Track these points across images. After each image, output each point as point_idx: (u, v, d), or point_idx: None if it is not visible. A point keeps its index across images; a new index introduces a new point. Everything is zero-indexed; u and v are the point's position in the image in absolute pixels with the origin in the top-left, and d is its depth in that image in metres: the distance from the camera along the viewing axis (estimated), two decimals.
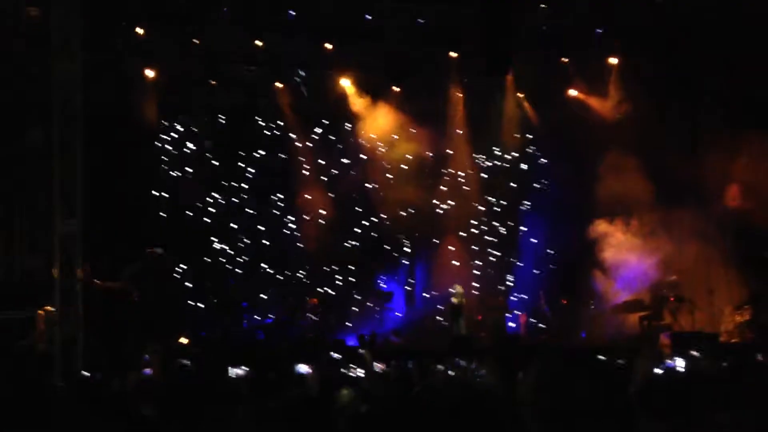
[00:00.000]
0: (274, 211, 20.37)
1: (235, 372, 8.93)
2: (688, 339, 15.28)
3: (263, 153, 20.28)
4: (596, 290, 18.98)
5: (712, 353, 12.67)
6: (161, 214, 18.86)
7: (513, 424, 5.00)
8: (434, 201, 20.78)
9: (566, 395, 5.19)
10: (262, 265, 20.09)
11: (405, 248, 20.96)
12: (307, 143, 20.42)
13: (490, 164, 21.29)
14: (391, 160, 20.50)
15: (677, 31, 17.63)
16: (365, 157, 20.48)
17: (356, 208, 20.68)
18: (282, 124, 20.14)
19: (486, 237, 21.05)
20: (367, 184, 20.57)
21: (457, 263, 20.44)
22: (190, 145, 19.65)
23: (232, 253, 19.82)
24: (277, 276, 20.13)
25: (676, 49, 17.93)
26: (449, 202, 20.81)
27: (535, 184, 21.13)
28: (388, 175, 20.55)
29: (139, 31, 17.12)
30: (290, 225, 20.34)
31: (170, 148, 19.46)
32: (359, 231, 20.74)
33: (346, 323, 19.42)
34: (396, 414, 5.63)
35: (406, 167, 20.54)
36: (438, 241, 20.68)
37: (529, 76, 19.75)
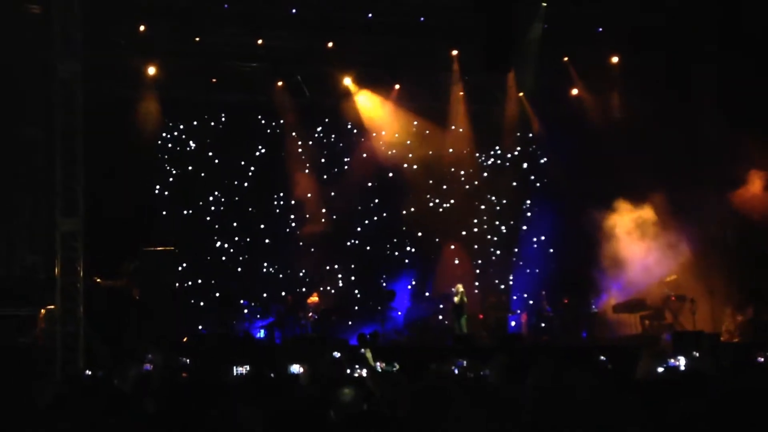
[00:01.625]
0: (275, 209, 20.33)
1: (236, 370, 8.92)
2: (690, 338, 15.28)
3: (264, 150, 20.23)
4: (598, 289, 18.97)
5: (713, 353, 12.66)
6: (163, 211, 18.87)
7: (516, 423, 5.00)
8: (436, 200, 20.77)
9: (568, 396, 5.19)
10: (263, 264, 20.05)
11: (407, 247, 20.92)
12: (308, 141, 20.39)
13: (492, 163, 21.28)
14: (392, 158, 20.47)
15: (677, 28, 17.62)
16: (366, 156, 20.45)
17: (358, 207, 20.65)
18: (282, 121, 20.10)
19: (488, 236, 21.03)
20: (368, 183, 20.55)
21: (459, 262, 20.45)
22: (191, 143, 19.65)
23: (233, 251, 19.78)
24: (279, 275, 20.08)
25: (675, 46, 17.89)
26: (451, 201, 20.81)
27: (536, 184, 21.14)
28: (389, 173, 20.54)
29: (141, 28, 17.14)
30: (291, 223, 20.30)
31: (171, 145, 19.46)
32: (360, 229, 20.72)
33: (348, 322, 19.38)
34: (397, 413, 5.63)
35: (408, 166, 20.53)
36: (440, 240, 20.65)
37: (530, 75, 19.71)
